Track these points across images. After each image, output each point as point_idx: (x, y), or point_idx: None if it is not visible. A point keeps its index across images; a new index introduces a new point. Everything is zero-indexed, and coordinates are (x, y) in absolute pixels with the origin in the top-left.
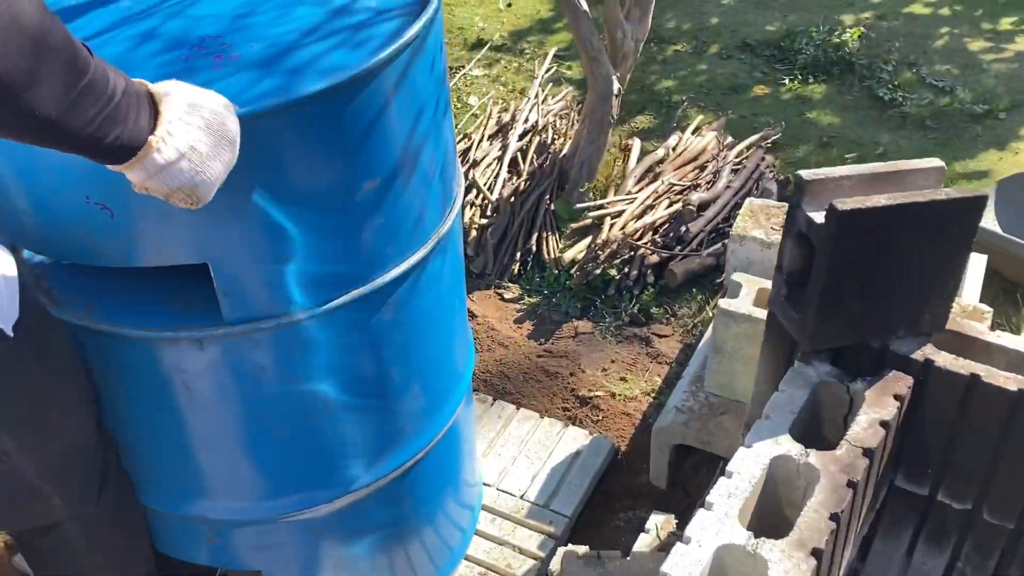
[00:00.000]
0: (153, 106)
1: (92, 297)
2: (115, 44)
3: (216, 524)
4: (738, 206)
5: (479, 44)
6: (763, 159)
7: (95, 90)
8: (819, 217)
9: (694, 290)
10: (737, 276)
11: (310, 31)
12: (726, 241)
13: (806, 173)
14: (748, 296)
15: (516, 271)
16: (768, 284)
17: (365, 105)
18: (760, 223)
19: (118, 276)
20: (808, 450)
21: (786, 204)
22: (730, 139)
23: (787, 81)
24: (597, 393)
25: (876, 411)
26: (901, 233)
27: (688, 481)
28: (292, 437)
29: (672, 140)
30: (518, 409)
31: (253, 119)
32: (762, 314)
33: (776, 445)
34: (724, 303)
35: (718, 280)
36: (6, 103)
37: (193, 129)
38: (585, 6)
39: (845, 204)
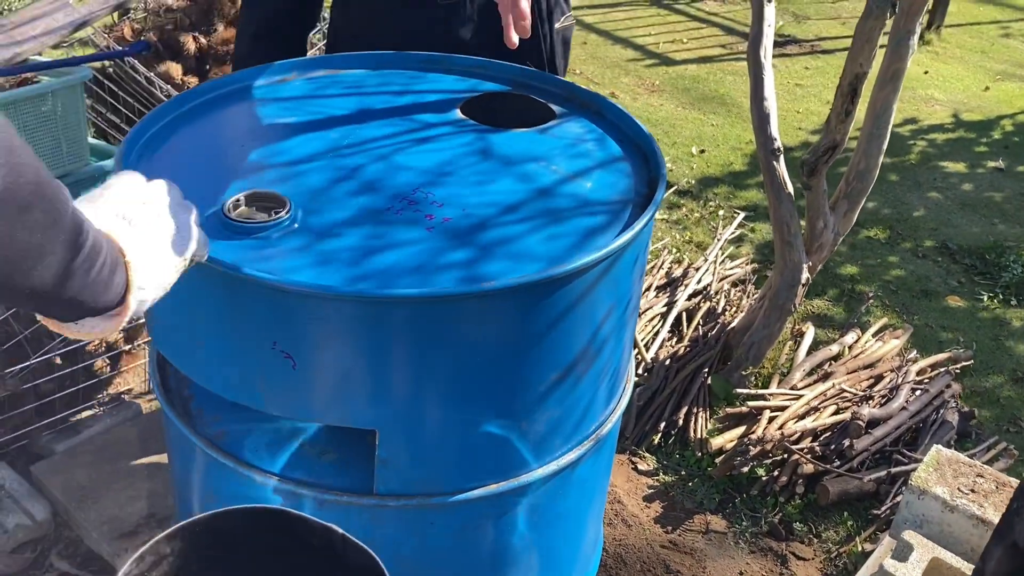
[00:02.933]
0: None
1: (230, 423)
2: (318, 174)
3: None
4: (912, 430)
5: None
6: (948, 386)
7: (91, 259)
8: None
9: (845, 514)
10: (909, 536)
11: (511, 209)
12: (891, 470)
13: None
14: (919, 563)
15: (656, 442)
16: (944, 554)
17: (554, 303)
18: (946, 479)
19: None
20: None
21: (979, 463)
22: (914, 353)
23: (986, 297)
24: None
25: None
26: None
27: None
28: None
29: (850, 338)
30: None
31: (447, 300)
32: None
33: None
34: (890, 565)
35: (875, 511)
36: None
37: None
38: (790, 188)
39: None
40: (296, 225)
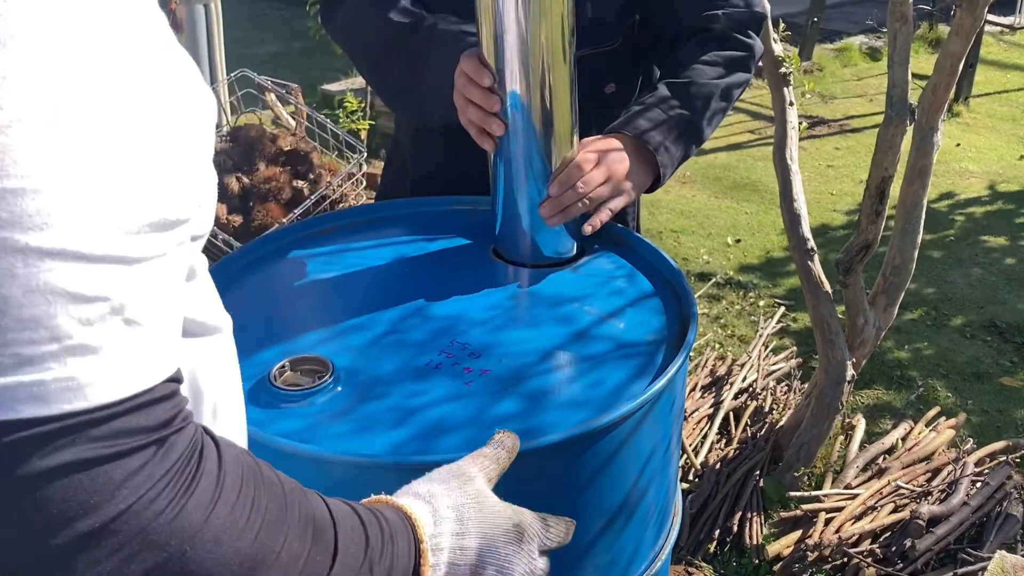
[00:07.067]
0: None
1: None
2: (357, 332)
3: None
4: (975, 526)
5: (702, 278)
6: (1010, 476)
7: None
8: None
9: None
10: None
11: (549, 355)
12: (957, 571)
13: None
14: None
15: (712, 550)
16: None
17: (597, 452)
18: None
19: None
20: None
21: None
22: (971, 443)
23: None
24: None
25: None
26: None
27: None
28: None
29: (901, 430)
30: None
31: None
32: None
33: None
34: None
35: None
36: None
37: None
38: (828, 287)
39: None
40: (339, 388)
